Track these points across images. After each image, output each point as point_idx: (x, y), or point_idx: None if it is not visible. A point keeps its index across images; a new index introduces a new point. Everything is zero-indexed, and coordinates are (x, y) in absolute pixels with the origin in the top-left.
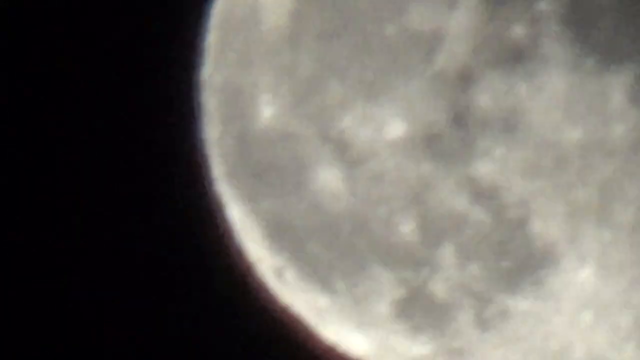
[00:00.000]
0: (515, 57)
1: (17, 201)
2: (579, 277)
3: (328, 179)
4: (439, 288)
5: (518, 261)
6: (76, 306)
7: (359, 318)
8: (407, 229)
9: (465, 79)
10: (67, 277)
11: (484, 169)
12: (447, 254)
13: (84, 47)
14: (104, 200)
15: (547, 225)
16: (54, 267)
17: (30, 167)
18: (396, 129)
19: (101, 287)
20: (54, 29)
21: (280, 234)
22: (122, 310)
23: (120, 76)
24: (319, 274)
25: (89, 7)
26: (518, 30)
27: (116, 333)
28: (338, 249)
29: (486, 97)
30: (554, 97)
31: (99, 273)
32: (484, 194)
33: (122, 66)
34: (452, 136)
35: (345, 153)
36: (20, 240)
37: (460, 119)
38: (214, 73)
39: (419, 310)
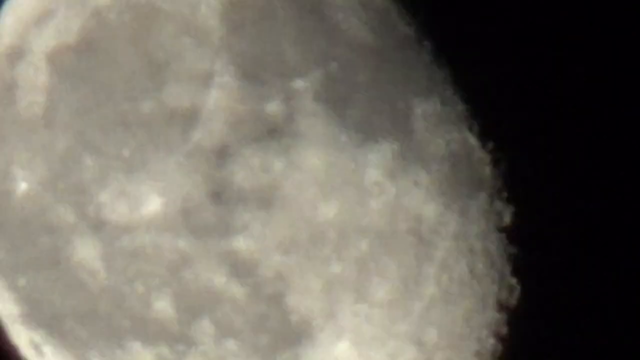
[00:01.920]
0: (271, 134)
1: None
2: (334, 352)
3: (85, 255)
4: None
5: (275, 336)
6: None
7: None
8: (163, 304)
9: (221, 154)
10: None
11: (242, 244)
12: (203, 329)
13: None
14: None
15: (303, 300)
16: None
17: None
18: (153, 204)
19: None
20: None
21: (38, 309)
22: None
23: None
24: (77, 350)
25: None
26: (273, 107)
27: None
28: (96, 325)
29: (243, 173)
30: (310, 173)
31: None
32: (241, 268)
33: None
34: (209, 211)
35: (102, 229)
36: None
37: (218, 194)
38: None
39: None
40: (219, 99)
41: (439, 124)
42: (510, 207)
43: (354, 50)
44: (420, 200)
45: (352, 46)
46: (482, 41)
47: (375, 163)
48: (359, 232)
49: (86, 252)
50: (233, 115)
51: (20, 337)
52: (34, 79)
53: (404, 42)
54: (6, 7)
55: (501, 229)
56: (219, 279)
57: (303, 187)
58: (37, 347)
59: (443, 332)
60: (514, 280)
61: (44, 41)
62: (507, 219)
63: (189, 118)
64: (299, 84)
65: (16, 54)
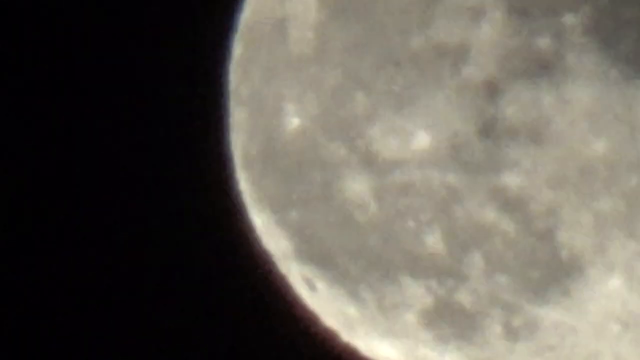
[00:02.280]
0: (541, 69)
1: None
2: (606, 288)
3: (356, 190)
4: (466, 298)
5: (545, 271)
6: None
7: (387, 328)
8: (434, 239)
9: (491, 90)
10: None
11: (512, 179)
12: (474, 264)
13: (116, 58)
14: (133, 207)
15: (574, 235)
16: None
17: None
18: (423, 140)
19: (126, 292)
20: (89, 42)
21: (308, 244)
22: (151, 319)
23: (149, 87)
24: (347, 284)
25: (119, 21)
26: (543, 43)
27: (139, 338)
28: (367, 259)
29: (513, 108)
30: (580, 108)
31: (123, 277)
32: (511, 204)
33: (151, 77)
34: (479, 147)
35: (372, 164)
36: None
37: (487, 130)
38: (241, 85)
39: (446, 320)
40: (489, 34)
41: None
42: None
43: None
44: None
45: None
46: None
47: None
48: (629, 168)
49: (357, 186)
50: (503, 50)
51: (292, 273)
52: (305, 16)
53: None
54: None
55: None
56: (489, 214)
57: (573, 122)
58: (309, 282)
59: None
60: None
61: None
62: None
63: (459, 53)
64: (568, 19)
65: None
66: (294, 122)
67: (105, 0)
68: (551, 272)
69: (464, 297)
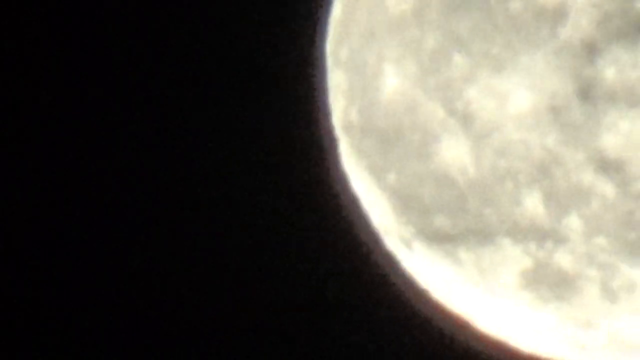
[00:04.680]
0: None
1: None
2: None
3: (454, 151)
4: (565, 259)
5: None
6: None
7: (485, 289)
8: (532, 201)
9: (590, 51)
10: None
11: (610, 142)
12: (572, 226)
13: (218, 20)
14: (234, 175)
15: None
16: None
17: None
18: (521, 101)
19: (236, 260)
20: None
21: (407, 205)
22: (258, 278)
23: (246, 51)
24: (445, 245)
25: None
26: None
27: (247, 302)
28: (465, 221)
29: (612, 70)
30: None
31: (236, 242)
32: (610, 166)
33: (248, 40)
34: (577, 109)
35: (470, 126)
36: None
37: (586, 91)
38: (339, 46)
39: (545, 281)
40: None
41: None
42: None
43: None
44: None
45: None
46: None
47: None
48: None
49: (455, 148)
50: (601, 12)
51: (391, 232)
52: None
53: None
54: None
55: None
56: (588, 177)
57: None
58: (407, 243)
59: None
60: None
61: None
62: None
63: (558, 15)
64: None
65: None
66: (392, 83)
67: None
68: None
69: (562, 259)
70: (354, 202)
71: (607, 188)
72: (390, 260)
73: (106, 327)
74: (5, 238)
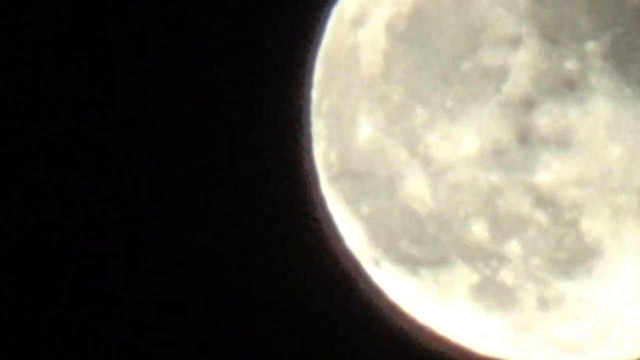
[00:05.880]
0: (568, 87)
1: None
2: (622, 267)
3: (416, 186)
4: (506, 276)
5: (571, 254)
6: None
7: (441, 299)
8: (480, 228)
9: (527, 105)
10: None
11: (544, 179)
12: (513, 248)
13: (210, 75)
14: (229, 199)
15: (595, 225)
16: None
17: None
18: (471, 145)
19: (210, 284)
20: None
21: (377, 231)
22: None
23: (248, 101)
24: (408, 264)
25: (214, 40)
26: (570, 65)
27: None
28: (424, 244)
29: (544, 119)
30: (600, 119)
31: (209, 269)
32: (543, 199)
33: (251, 94)
34: (517, 152)
35: (429, 165)
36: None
37: (524, 137)
38: (321, 100)
39: (490, 294)
40: (525, 58)
41: None
42: None
43: (635, 17)
44: None
45: (634, 12)
46: None
47: None
48: None
49: (417, 183)
50: (537, 72)
51: (363, 253)
52: (374, 42)
53: None
54: None
55: None
56: (525, 207)
57: (595, 131)
58: (376, 262)
59: None
60: None
61: (382, 11)
62: None
63: (500, 74)
64: (591, 45)
65: (359, 22)
66: (365, 131)
67: (196, 29)
68: (576, 254)
69: (505, 276)
70: (332, 227)
71: (541, 217)
72: (362, 276)
73: (106, 327)
74: (5, 238)
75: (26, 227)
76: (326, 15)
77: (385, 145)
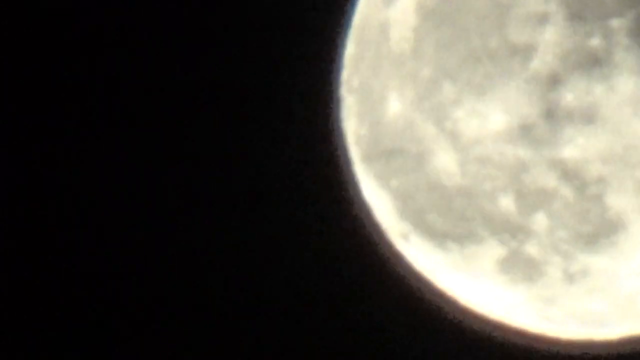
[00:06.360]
0: (593, 63)
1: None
2: None
3: (444, 161)
4: (532, 249)
5: (596, 227)
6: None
7: (467, 272)
8: (506, 201)
9: (553, 81)
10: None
11: (569, 153)
12: (539, 221)
13: (245, 57)
14: (261, 180)
15: (619, 198)
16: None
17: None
18: (498, 121)
19: (254, 259)
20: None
21: (405, 205)
22: (279, 275)
23: (281, 77)
24: (436, 237)
25: (254, 21)
26: (595, 42)
27: (271, 298)
28: (452, 218)
29: (570, 95)
30: (624, 95)
31: (255, 242)
32: (569, 173)
33: (284, 70)
34: (543, 127)
35: (457, 140)
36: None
37: (550, 113)
38: (352, 76)
39: (517, 267)
40: (552, 35)
41: None
42: None
43: None
44: None
45: None
46: None
47: None
48: None
49: (445, 158)
50: (563, 48)
51: (392, 227)
52: (404, 20)
53: None
54: None
55: None
56: (551, 182)
57: (619, 107)
58: (405, 236)
59: None
60: None
61: None
62: None
63: (527, 51)
64: (615, 22)
65: (389, 0)
66: (395, 107)
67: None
68: (600, 228)
69: (531, 248)
70: (363, 202)
71: (567, 191)
72: (392, 250)
73: (106, 327)
74: (5, 238)
75: (26, 227)
76: None
77: (415, 121)
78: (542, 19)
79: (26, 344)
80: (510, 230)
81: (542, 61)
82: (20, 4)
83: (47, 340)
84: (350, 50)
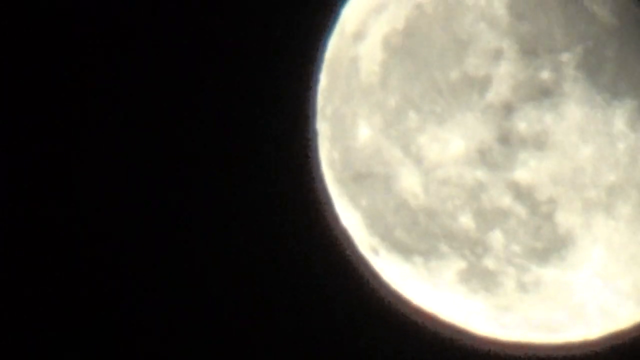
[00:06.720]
0: (543, 94)
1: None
2: (591, 254)
3: (409, 183)
4: (489, 262)
5: (547, 242)
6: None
7: (431, 283)
8: (466, 219)
9: (507, 110)
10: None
11: (522, 175)
12: (495, 237)
13: (235, 85)
14: (240, 194)
15: (568, 217)
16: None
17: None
18: (458, 146)
19: (221, 276)
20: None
21: (375, 222)
22: (249, 290)
23: (260, 105)
24: (403, 252)
25: (229, 52)
26: (545, 75)
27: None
28: (417, 234)
29: (523, 123)
30: (572, 123)
31: (220, 262)
32: (522, 193)
33: (264, 98)
34: (498, 151)
35: (421, 164)
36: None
37: (505, 139)
38: (326, 106)
39: (475, 278)
40: (506, 68)
41: None
42: None
43: (604, 31)
44: None
45: (603, 27)
46: None
47: (620, 116)
48: (609, 167)
49: (410, 180)
50: (516, 80)
51: (363, 242)
52: (373, 54)
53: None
54: (348, 3)
55: None
56: (506, 201)
57: (567, 133)
58: (374, 250)
59: None
60: None
61: (380, 27)
62: None
63: (484, 83)
64: (564, 56)
65: (359, 37)
66: (364, 133)
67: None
68: (551, 243)
69: (488, 261)
70: (337, 219)
71: (520, 210)
72: (363, 262)
73: (106, 327)
74: (5, 238)
75: (26, 227)
76: (329, 30)
77: (382, 146)
78: (497, 54)
79: (26, 344)
80: (470, 246)
81: (497, 92)
82: (20, 3)
83: (47, 340)
84: (324, 82)
